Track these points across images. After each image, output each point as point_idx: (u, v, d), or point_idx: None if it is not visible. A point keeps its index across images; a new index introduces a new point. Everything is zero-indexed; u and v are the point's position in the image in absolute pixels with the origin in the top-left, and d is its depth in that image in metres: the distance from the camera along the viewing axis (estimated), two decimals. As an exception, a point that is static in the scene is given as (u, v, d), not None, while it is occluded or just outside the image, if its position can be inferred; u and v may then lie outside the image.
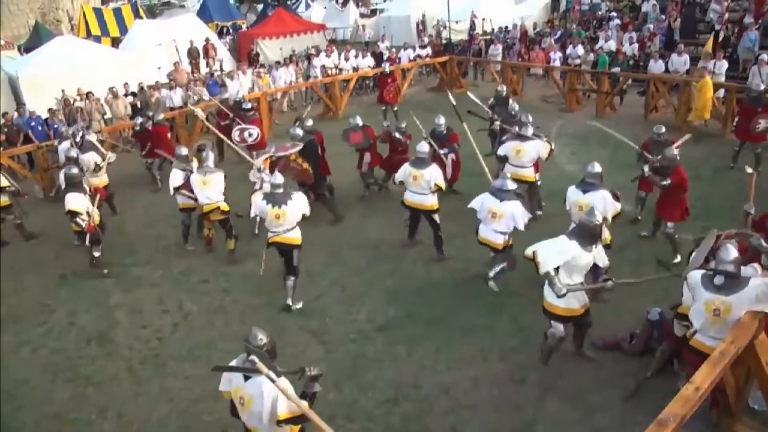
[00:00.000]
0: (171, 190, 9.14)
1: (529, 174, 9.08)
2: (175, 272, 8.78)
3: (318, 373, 4.35)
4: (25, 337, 7.43)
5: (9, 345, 7.27)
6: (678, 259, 7.67)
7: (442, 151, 9.66)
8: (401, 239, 8.94)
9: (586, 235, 5.75)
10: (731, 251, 4.96)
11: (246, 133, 11.72)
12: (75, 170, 8.90)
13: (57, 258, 9.51)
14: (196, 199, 8.83)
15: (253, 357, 4.19)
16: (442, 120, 9.95)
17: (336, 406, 5.96)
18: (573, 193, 7.11)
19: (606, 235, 6.81)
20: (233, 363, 4.39)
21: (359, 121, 10.45)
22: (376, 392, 6.10)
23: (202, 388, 6.26)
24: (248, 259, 8.81)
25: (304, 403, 4.11)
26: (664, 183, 7.72)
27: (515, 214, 7.23)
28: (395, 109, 15.83)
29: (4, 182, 9.90)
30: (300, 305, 7.66)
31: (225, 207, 8.76)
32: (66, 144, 10.86)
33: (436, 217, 8.44)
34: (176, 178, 9.04)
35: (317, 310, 7.60)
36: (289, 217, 7.26)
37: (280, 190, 7.37)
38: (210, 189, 8.59)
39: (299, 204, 7.37)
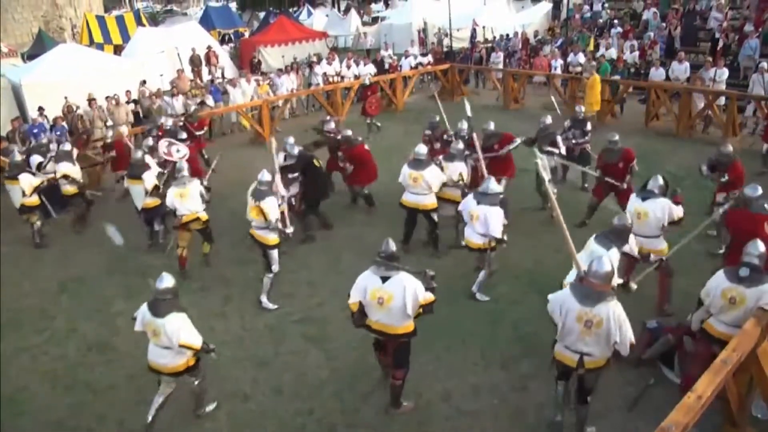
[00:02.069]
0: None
1: None
2: (175, 279, 8.73)
3: (434, 273, 5.68)
4: (26, 344, 7.41)
5: (9, 351, 7.25)
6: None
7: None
8: (401, 247, 8.91)
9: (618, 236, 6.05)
10: (759, 245, 5.14)
11: (174, 148, 10.85)
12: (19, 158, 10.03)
13: (60, 265, 9.50)
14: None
15: (391, 263, 5.51)
16: (465, 125, 9.95)
17: (337, 414, 5.95)
18: (633, 201, 7.08)
19: (663, 246, 6.83)
20: (365, 274, 5.66)
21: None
22: (377, 400, 6.08)
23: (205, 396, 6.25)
24: (248, 266, 8.80)
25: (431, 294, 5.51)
26: (723, 180, 8.18)
27: (489, 218, 7.23)
28: (377, 123, 15.83)
29: (36, 181, 10.05)
30: (272, 306, 7.74)
31: (204, 216, 8.68)
32: (37, 158, 10.80)
33: (435, 216, 8.56)
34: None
35: (318, 318, 7.59)
36: (263, 214, 7.44)
37: (264, 188, 7.56)
38: (189, 200, 8.48)
39: (272, 207, 7.49)
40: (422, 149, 8.57)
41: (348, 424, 5.82)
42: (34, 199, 10.04)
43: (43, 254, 9.92)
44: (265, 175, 7.74)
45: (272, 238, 7.64)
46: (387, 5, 43.35)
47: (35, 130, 13.90)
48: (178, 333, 5.43)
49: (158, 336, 5.50)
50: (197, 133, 12.78)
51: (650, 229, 6.78)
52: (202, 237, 8.94)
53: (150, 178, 9.33)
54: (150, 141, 10.94)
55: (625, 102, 15.78)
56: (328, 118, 11.30)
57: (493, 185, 7.48)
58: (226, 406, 6.14)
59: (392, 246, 5.60)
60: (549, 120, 9.99)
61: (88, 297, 8.47)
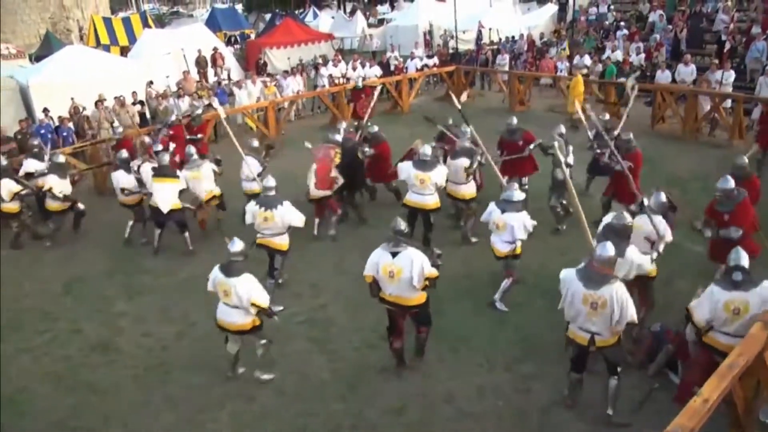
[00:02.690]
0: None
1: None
2: (179, 280, 8.77)
3: (440, 252, 6.76)
4: (28, 345, 7.40)
5: (12, 352, 7.25)
6: None
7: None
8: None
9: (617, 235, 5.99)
10: (741, 251, 5.17)
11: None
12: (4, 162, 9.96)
13: (61, 265, 9.51)
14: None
15: (401, 238, 5.92)
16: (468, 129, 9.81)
17: (341, 415, 5.93)
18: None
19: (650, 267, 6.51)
20: (377, 251, 6.08)
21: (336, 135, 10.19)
22: (381, 402, 6.07)
23: (207, 397, 6.26)
24: (251, 266, 8.76)
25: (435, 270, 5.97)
26: None
27: (515, 226, 7.21)
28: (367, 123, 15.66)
29: (16, 188, 9.93)
30: (278, 308, 7.59)
31: (218, 192, 9.86)
32: (34, 163, 10.56)
33: (433, 217, 8.60)
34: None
35: (322, 320, 7.58)
36: (276, 221, 7.54)
37: (272, 193, 7.71)
38: (204, 181, 9.56)
39: (288, 212, 7.63)
40: (427, 150, 8.54)
41: (351, 425, 5.80)
42: (13, 206, 9.90)
43: (45, 255, 9.92)
44: (270, 181, 7.83)
45: (286, 243, 7.77)
46: (393, 7, 43.33)
47: (42, 131, 13.95)
48: (250, 292, 5.91)
49: (229, 296, 5.96)
50: (199, 136, 12.70)
51: (637, 245, 6.62)
52: (217, 207, 10.00)
53: (183, 179, 9.33)
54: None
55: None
56: (338, 125, 11.17)
57: (517, 193, 7.43)
58: (230, 407, 6.12)
59: (402, 224, 6.03)
60: (562, 129, 9.73)
61: (90, 297, 8.47)
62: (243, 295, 5.88)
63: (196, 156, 9.82)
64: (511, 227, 7.23)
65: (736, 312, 5.07)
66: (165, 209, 9.12)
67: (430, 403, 6.01)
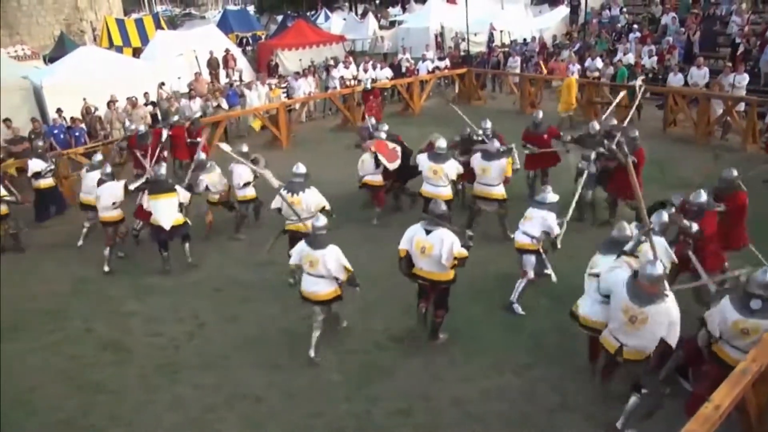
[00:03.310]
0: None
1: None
2: (190, 281, 8.80)
3: (472, 234, 6.75)
4: (39, 344, 7.45)
5: (23, 351, 7.30)
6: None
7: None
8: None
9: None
10: (766, 274, 4.90)
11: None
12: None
13: (73, 265, 9.56)
14: None
15: (438, 220, 6.44)
16: (488, 124, 10.12)
17: (347, 416, 5.92)
18: None
19: None
20: (414, 226, 6.62)
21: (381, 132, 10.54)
22: (387, 403, 6.05)
23: (215, 397, 6.27)
24: (262, 268, 8.81)
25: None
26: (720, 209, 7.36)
27: (544, 220, 7.26)
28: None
29: (3, 192, 10.04)
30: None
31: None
32: (39, 163, 10.95)
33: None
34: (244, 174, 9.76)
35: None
36: (303, 205, 7.91)
37: (299, 180, 8.12)
38: (219, 182, 10.00)
39: (315, 196, 8.12)
40: (442, 143, 9.14)
41: (358, 426, 5.79)
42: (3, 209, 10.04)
43: (56, 256, 9.96)
44: (300, 168, 8.23)
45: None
46: (404, 9, 43.31)
47: (55, 131, 14.07)
48: (339, 260, 6.45)
49: (315, 266, 6.45)
50: (198, 139, 12.63)
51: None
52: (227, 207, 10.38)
53: (184, 192, 9.11)
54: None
55: (642, 107, 15.59)
56: (379, 126, 11.29)
57: (551, 195, 7.46)
58: (238, 408, 6.13)
59: (442, 207, 6.67)
60: (597, 127, 9.78)
61: (100, 298, 8.51)
62: (331, 265, 6.38)
63: (204, 159, 10.12)
64: (540, 219, 7.26)
65: (745, 332, 4.90)
66: (167, 225, 8.74)
67: (437, 406, 5.98)
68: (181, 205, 8.96)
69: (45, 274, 9.36)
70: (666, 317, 4.95)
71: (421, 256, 6.47)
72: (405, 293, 7.83)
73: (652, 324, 4.97)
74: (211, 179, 9.89)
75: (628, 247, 5.78)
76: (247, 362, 6.85)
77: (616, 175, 9.02)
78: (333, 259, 6.40)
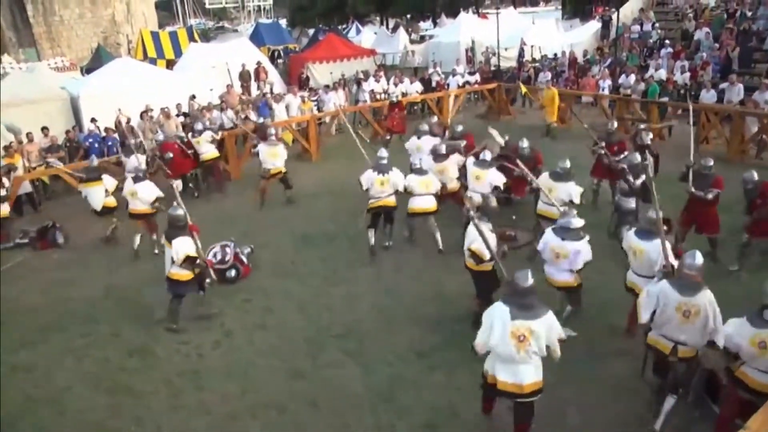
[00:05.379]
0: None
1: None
2: (219, 290, 8.87)
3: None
4: (71, 346, 7.60)
5: (55, 353, 7.46)
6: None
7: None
8: (444, 266, 8.91)
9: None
10: None
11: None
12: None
13: (105, 270, 9.75)
14: None
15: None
16: (526, 143, 10.27)
17: (372, 429, 5.90)
18: (630, 237, 6.76)
19: None
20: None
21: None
22: (412, 417, 6.01)
23: (239, 404, 6.31)
24: (289, 278, 8.88)
25: None
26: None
27: (579, 255, 6.86)
28: (402, 138, 15.54)
29: None
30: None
31: (284, 169, 11.79)
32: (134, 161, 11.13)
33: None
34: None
35: (356, 332, 7.55)
36: (391, 182, 9.19)
37: (384, 161, 9.31)
38: (278, 159, 11.57)
39: (397, 176, 9.29)
40: (487, 155, 9.59)
41: (382, 440, 5.77)
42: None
43: (91, 262, 10.17)
44: (383, 152, 9.50)
45: (395, 201, 9.35)
46: (435, 24, 43.57)
47: (90, 140, 14.41)
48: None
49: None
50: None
51: (644, 270, 6.44)
52: (284, 185, 11.93)
53: (190, 245, 7.59)
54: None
55: (673, 125, 15.35)
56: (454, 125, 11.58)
57: (576, 220, 7.01)
58: (262, 417, 6.15)
59: (492, 201, 7.51)
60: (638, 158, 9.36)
61: (131, 305, 8.62)
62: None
63: (274, 135, 11.83)
64: (574, 255, 6.85)
65: (762, 346, 4.76)
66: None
67: (463, 420, 5.93)
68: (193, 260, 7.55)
69: (85, 277, 9.58)
70: (711, 305, 5.14)
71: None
72: (428, 310, 7.85)
73: (704, 313, 5.13)
74: (272, 152, 11.54)
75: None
76: (270, 371, 6.88)
77: (696, 209, 8.51)
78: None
